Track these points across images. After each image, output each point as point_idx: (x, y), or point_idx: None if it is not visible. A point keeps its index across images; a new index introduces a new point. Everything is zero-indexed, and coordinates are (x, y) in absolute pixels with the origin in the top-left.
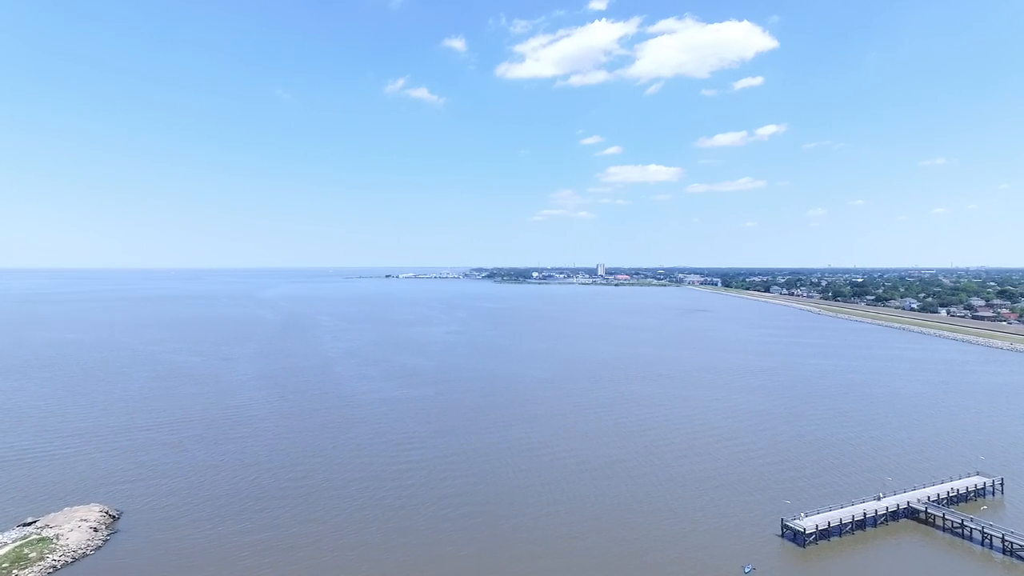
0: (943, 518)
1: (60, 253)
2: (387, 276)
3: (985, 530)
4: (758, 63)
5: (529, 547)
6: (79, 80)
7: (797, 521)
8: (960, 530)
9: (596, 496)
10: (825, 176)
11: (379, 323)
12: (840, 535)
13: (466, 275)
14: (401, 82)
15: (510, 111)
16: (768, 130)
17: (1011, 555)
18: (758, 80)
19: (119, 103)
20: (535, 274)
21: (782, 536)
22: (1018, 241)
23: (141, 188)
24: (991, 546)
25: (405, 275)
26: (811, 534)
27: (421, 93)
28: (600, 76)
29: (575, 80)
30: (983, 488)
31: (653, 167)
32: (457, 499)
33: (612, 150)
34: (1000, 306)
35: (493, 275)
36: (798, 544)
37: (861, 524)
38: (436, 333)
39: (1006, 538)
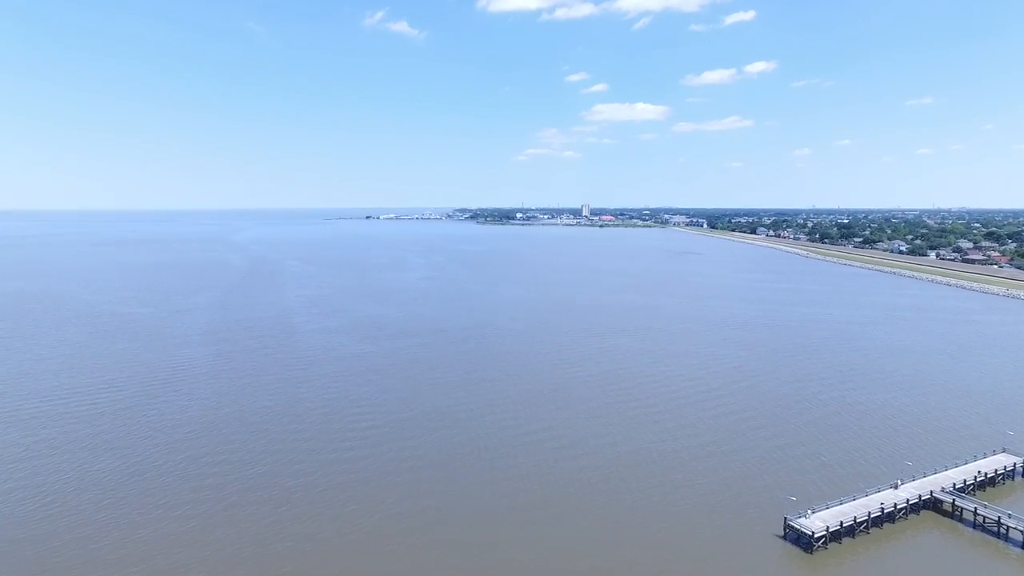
0: (975, 512)
1: (32, 194)
2: (367, 217)
3: None
4: None
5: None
6: (42, 13)
7: (803, 520)
8: (996, 528)
9: (563, 494)
10: (813, 115)
11: (350, 268)
12: (853, 536)
13: (449, 216)
14: (380, 15)
15: (493, 46)
16: (757, 67)
17: None
18: (750, 15)
19: (85, 37)
20: (519, 215)
21: (784, 538)
22: (1000, 182)
23: (114, 126)
24: None
25: (386, 216)
26: (820, 537)
27: (401, 27)
28: (586, 9)
29: (560, 14)
30: (1012, 469)
31: (640, 105)
32: (423, 510)
33: (598, 87)
34: (989, 248)
35: (476, 216)
36: (804, 549)
37: (877, 521)
38: (409, 279)
39: None
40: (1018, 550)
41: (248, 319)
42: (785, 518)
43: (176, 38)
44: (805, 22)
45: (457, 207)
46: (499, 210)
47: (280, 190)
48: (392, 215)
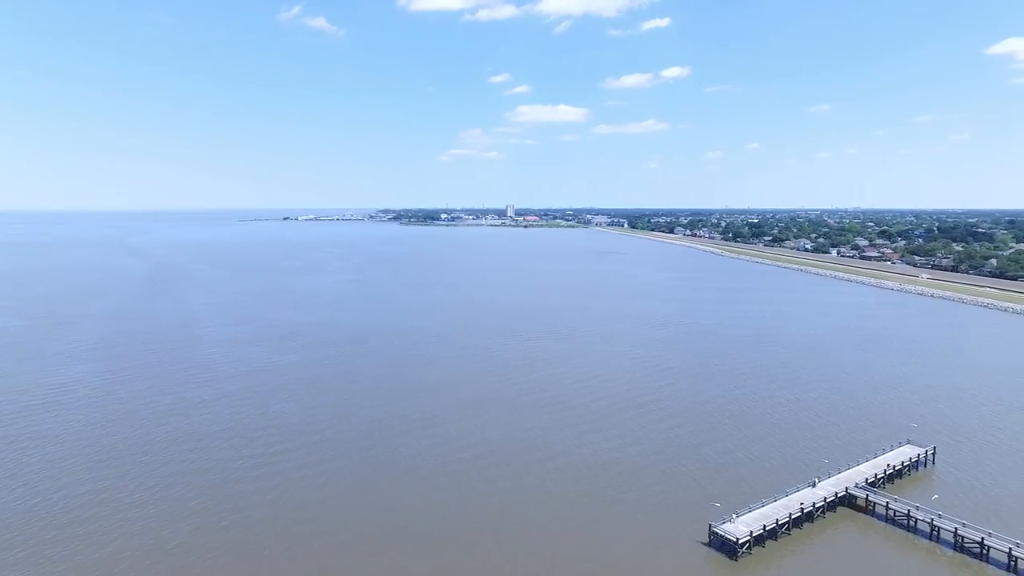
0: (887, 507)
1: None
2: (285, 219)
3: (934, 522)
4: (665, 4)
5: None
6: None
7: (727, 526)
8: (906, 520)
9: (481, 504)
10: (724, 120)
11: (264, 272)
12: (776, 538)
13: (371, 217)
14: (296, 9)
15: (415, 46)
16: (673, 72)
17: (962, 551)
18: (665, 21)
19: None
20: (443, 215)
21: (709, 545)
22: (889, 184)
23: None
24: (938, 539)
25: (305, 217)
26: (744, 543)
27: (319, 23)
28: (508, 11)
29: (482, 15)
30: (917, 460)
31: (561, 107)
32: (340, 545)
33: (521, 89)
34: (883, 246)
35: (400, 217)
36: (729, 556)
37: (798, 521)
38: (326, 282)
39: (959, 532)
40: (926, 541)
41: (145, 331)
42: (710, 525)
43: (65, 19)
44: (716, 32)
45: (380, 207)
46: (423, 210)
47: (190, 191)
48: (311, 216)
